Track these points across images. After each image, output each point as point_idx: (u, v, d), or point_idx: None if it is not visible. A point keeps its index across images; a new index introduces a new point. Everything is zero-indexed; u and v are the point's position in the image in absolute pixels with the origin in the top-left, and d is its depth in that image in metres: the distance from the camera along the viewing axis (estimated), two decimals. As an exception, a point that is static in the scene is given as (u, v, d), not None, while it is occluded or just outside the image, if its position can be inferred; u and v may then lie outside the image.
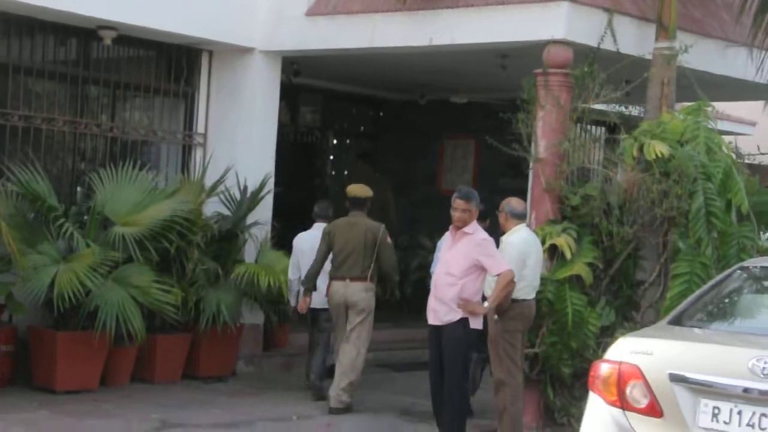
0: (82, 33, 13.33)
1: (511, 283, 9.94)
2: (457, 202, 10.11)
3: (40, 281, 11.26)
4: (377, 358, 14.85)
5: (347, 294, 11.74)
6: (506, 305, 10.34)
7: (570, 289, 11.14)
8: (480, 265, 9.98)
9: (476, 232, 10.11)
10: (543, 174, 11.82)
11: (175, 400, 11.78)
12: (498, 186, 14.07)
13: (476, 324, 10.18)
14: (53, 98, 13.55)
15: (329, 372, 12.59)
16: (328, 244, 11.91)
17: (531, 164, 12.15)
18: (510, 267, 9.98)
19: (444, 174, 18.21)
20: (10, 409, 10.74)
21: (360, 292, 11.54)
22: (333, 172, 19.18)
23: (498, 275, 9.96)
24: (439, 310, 10.08)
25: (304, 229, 13.69)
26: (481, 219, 10.52)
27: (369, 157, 16.77)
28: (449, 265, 10.16)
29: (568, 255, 11.18)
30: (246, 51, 14.30)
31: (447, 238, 10.50)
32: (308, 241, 12.15)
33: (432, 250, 13.47)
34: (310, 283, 11.98)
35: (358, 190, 12.17)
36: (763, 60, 13.35)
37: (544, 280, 10.91)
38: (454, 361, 10.13)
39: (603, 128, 13.89)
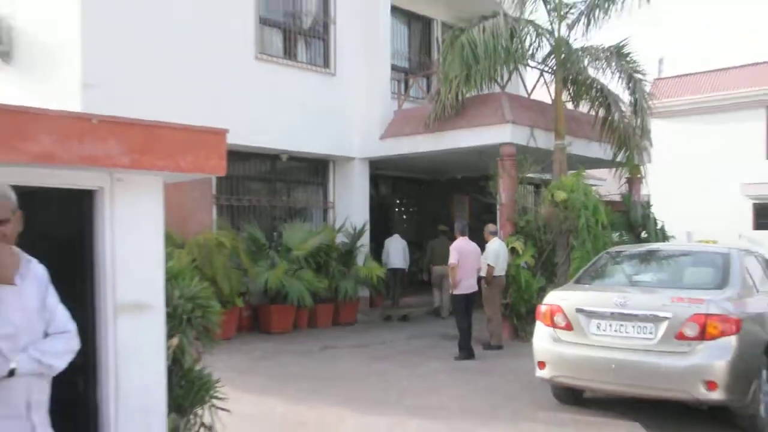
0: (271, 155, 13.82)
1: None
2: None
3: (261, 280, 11.99)
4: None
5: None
6: (490, 278, 10.91)
7: (521, 269, 11.64)
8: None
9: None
10: (505, 211, 12.35)
11: (329, 335, 12.16)
12: (481, 219, 13.89)
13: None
14: (259, 190, 14.09)
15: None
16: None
17: (498, 206, 12.56)
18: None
19: (454, 214, 17.63)
20: (257, 339, 11.62)
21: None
22: (401, 218, 18.79)
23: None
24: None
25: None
26: (464, 234, 10.60)
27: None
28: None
29: (520, 252, 11.76)
30: (351, 159, 14.66)
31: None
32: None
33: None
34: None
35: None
36: (606, 149, 13.50)
37: (508, 266, 11.29)
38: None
39: (533, 186, 13.99)
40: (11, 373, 2.63)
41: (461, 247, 10.50)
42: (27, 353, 2.68)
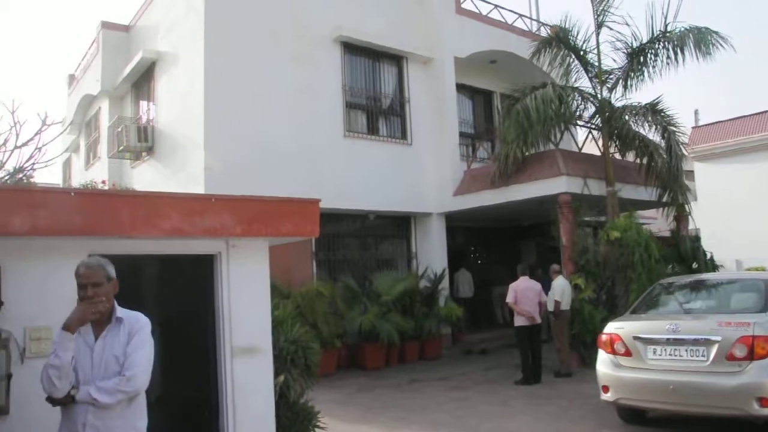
0: (360, 215, 13.92)
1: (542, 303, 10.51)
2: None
3: (355, 323, 11.97)
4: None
5: None
6: (558, 312, 10.80)
7: (585, 303, 11.33)
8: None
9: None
10: (566, 252, 12.08)
11: (416, 369, 11.99)
12: (548, 260, 13.58)
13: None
14: (352, 245, 14.02)
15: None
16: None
17: (561, 248, 12.28)
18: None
19: (522, 258, 17.18)
20: (354, 374, 11.57)
21: None
22: (473, 263, 17.86)
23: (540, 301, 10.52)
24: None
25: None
26: (524, 274, 10.67)
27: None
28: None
29: (583, 287, 11.46)
30: (429, 214, 14.63)
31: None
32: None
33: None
34: None
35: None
36: (653, 191, 13.19)
37: (573, 300, 11.07)
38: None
39: (591, 228, 13.67)
40: (72, 399, 2.97)
41: (518, 285, 10.56)
42: (87, 387, 3.00)
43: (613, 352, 6.87)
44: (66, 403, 3.00)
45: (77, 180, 18.79)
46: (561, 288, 10.92)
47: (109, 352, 3.10)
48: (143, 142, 13.83)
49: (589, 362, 10.70)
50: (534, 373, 10.31)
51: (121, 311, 3.19)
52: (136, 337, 3.12)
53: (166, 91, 13.65)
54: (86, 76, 17.91)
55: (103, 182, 14.03)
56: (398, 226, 15.01)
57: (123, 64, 15.39)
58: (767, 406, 5.69)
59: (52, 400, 3.01)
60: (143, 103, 15.22)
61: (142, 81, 15.05)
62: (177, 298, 4.80)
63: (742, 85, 72.34)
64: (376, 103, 14.56)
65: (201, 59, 11.77)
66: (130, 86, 15.72)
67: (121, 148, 14.05)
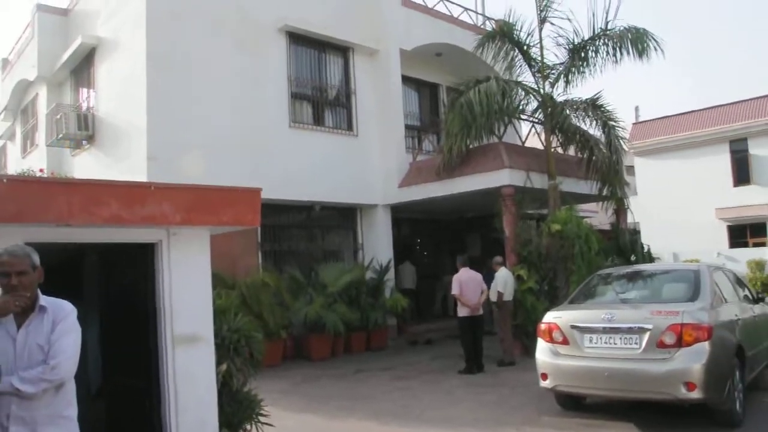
0: (306, 206, 13.84)
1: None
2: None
3: (301, 314, 12.01)
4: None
5: None
6: (501, 303, 10.98)
7: (527, 293, 11.55)
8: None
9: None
10: (509, 244, 12.29)
11: (362, 360, 12.05)
12: (491, 251, 13.85)
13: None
14: (298, 236, 14.11)
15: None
16: None
17: (504, 240, 12.48)
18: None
19: (466, 249, 16.69)
20: (299, 365, 11.50)
21: None
22: (419, 254, 18.19)
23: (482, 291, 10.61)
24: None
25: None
26: (464, 266, 10.70)
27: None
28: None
29: (525, 278, 11.65)
30: (375, 206, 14.73)
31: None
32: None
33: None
34: None
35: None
36: (593, 185, 13.44)
37: (516, 291, 11.28)
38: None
39: (534, 220, 13.81)
40: None
41: (461, 277, 10.60)
42: (9, 377, 2.90)
43: (552, 340, 7.00)
44: None
45: (13, 168, 18.25)
46: (504, 279, 11.09)
47: (32, 341, 3.00)
48: (83, 130, 13.51)
49: (532, 351, 10.72)
50: (476, 363, 10.47)
51: (44, 299, 3.10)
52: (60, 324, 3.04)
53: (107, 78, 13.34)
54: (21, 61, 17.33)
55: (41, 171, 13.65)
56: (344, 218, 15.04)
57: (61, 50, 14.95)
58: (693, 390, 5.92)
59: None
60: (83, 90, 14.85)
61: (82, 67, 14.66)
62: (117, 287, 4.76)
63: (682, 82, 74.91)
64: (322, 94, 14.55)
65: (143, 46, 11.56)
66: (69, 72, 15.32)
67: (60, 135, 13.67)
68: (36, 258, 3.10)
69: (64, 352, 2.99)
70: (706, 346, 6.02)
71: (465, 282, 10.58)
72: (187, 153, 11.16)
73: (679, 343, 6.08)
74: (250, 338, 5.13)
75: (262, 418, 5.27)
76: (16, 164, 18.35)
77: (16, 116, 19.03)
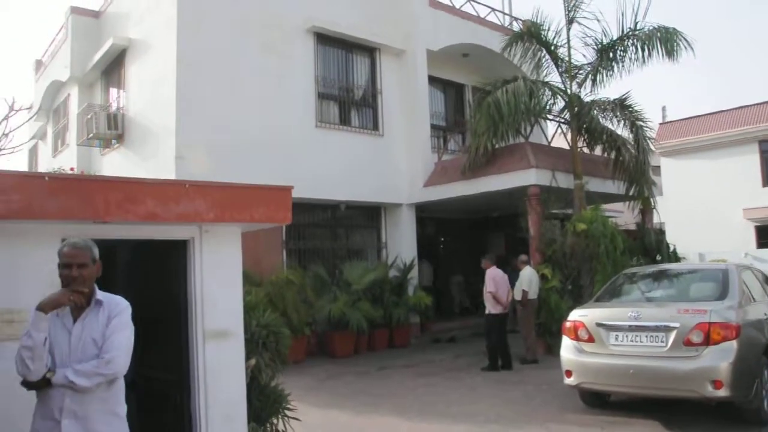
0: (332, 205, 13.88)
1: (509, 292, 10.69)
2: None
3: (325, 311, 12.12)
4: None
5: None
6: (525, 301, 11.02)
7: (551, 292, 11.51)
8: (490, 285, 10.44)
9: (488, 271, 10.59)
10: (533, 243, 12.25)
11: (385, 357, 12.09)
12: (516, 251, 13.63)
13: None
14: (322, 234, 14.07)
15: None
16: None
17: (529, 239, 12.46)
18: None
19: (490, 249, 16.14)
20: (323, 362, 11.60)
21: None
22: (443, 253, 18.43)
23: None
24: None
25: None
26: (492, 263, 10.78)
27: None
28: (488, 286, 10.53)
29: (549, 277, 11.64)
30: (400, 205, 14.72)
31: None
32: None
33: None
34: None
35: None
36: (620, 185, 13.33)
37: (540, 290, 11.29)
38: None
39: (558, 220, 13.75)
40: (48, 383, 2.89)
41: (496, 274, 10.65)
42: (64, 370, 2.91)
43: (577, 338, 7.03)
44: (41, 386, 2.91)
45: (44, 167, 18.53)
46: (528, 278, 11.10)
47: (87, 335, 3.01)
48: (113, 129, 13.74)
49: (555, 350, 10.73)
50: (506, 361, 10.50)
51: (100, 294, 3.13)
52: (115, 320, 3.05)
53: (137, 78, 13.56)
54: (54, 62, 17.66)
55: (71, 169, 13.88)
56: (369, 217, 15.07)
57: (93, 51, 15.21)
58: (720, 388, 5.92)
59: (27, 384, 2.92)
60: (113, 91, 15.09)
61: (113, 68, 14.92)
62: (150, 283, 4.85)
63: (711, 83, 73.71)
64: (348, 94, 14.59)
65: (173, 47, 11.72)
66: (100, 73, 15.58)
67: (90, 135, 13.92)
68: (96, 251, 3.13)
69: (119, 347, 3.00)
70: (734, 344, 6.02)
71: (500, 279, 10.64)
72: (214, 152, 11.32)
73: (707, 341, 6.09)
74: (278, 334, 5.21)
75: (288, 413, 5.34)
76: (47, 163, 18.67)
77: (49, 116, 19.37)
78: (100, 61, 14.80)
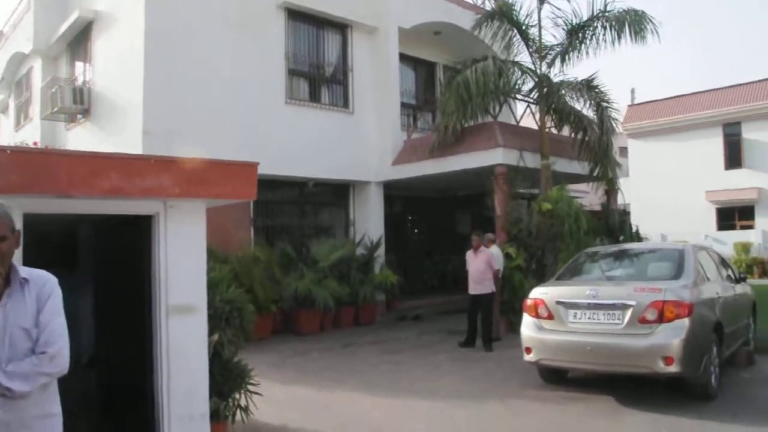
0: (299, 182, 13.86)
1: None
2: (473, 238, 10.82)
3: (291, 288, 12.06)
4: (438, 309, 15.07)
5: None
6: (497, 281, 10.92)
7: (515, 271, 11.68)
8: (491, 265, 10.55)
9: (484, 250, 10.67)
10: (499, 222, 12.34)
11: (351, 334, 12.13)
12: (482, 229, 14.04)
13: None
14: (290, 211, 14.18)
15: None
16: None
17: (495, 218, 12.55)
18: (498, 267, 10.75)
19: (457, 227, 17.90)
20: (288, 339, 11.61)
21: None
22: (411, 233, 18.51)
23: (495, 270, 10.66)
24: (475, 287, 10.54)
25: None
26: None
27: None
28: (477, 266, 10.56)
29: (514, 256, 11.74)
30: (368, 183, 14.76)
31: (470, 253, 10.74)
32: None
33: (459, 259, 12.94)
34: None
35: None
36: (585, 166, 13.48)
37: (504, 268, 11.34)
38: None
39: (525, 199, 13.58)
40: None
41: (498, 253, 10.99)
42: None
43: (537, 315, 7.19)
44: None
45: (6, 141, 18.14)
46: (497, 256, 11.18)
47: (13, 324, 2.35)
48: (79, 103, 13.49)
49: (517, 328, 11.00)
50: (470, 337, 10.67)
51: (23, 270, 2.45)
52: (49, 302, 2.41)
53: (104, 52, 13.30)
54: (16, 33, 17.24)
55: (35, 144, 13.67)
56: (337, 194, 15.09)
57: (57, 23, 14.85)
58: (671, 364, 6.14)
59: None
60: (79, 64, 14.76)
61: (79, 41, 14.58)
62: (113, 257, 4.86)
63: (680, 66, 74.64)
64: (319, 71, 14.50)
65: (142, 21, 11.50)
66: (66, 46, 15.24)
67: (55, 109, 13.66)
68: (13, 219, 2.49)
69: (62, 335, 2.41)
70: (686, 322, 6.22)
71: (497, 257, 10.83)
72: (182, 128, 11.21)
73: (660, 319, 6.27)
74: (242, 310, 5.26)
75: (251, 388, 5.42)
76: (9, 137, 18.27)
77: (11, 89, 18.96)
78: (66, 33, 14.47)
